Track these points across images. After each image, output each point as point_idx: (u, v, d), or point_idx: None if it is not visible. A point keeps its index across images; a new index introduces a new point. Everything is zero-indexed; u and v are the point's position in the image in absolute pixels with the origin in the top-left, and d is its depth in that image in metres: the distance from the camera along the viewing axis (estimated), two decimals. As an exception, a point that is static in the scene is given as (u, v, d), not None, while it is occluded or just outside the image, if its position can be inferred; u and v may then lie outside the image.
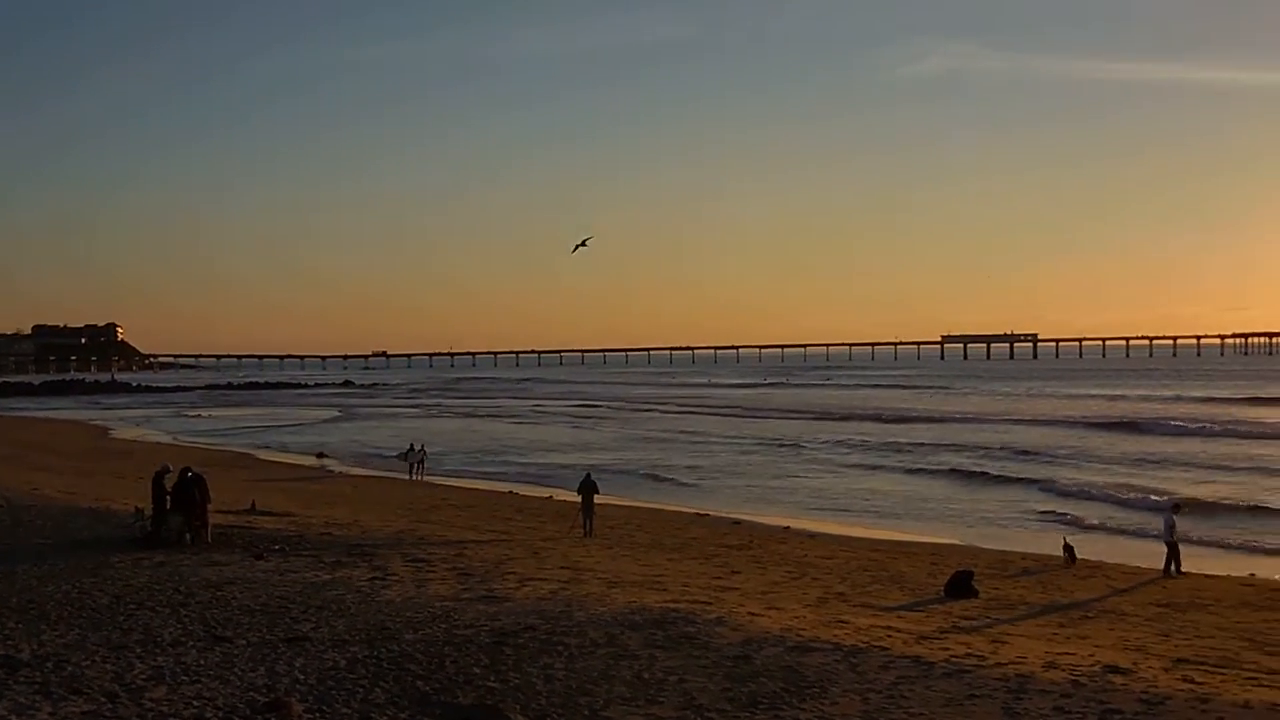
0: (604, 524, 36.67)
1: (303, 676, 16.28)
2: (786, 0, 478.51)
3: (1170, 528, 29.90)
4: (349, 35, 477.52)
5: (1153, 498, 44.08)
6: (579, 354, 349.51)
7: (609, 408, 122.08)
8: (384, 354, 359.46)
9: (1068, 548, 31.42)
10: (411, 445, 56.85)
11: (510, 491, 49.75)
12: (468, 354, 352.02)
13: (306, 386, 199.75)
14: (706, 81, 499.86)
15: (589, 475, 37.50)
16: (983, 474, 55.64)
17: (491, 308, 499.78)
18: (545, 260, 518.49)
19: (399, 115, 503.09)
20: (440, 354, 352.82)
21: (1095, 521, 41.18)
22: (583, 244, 67.68)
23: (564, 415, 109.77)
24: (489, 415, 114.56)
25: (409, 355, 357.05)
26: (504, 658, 17.33)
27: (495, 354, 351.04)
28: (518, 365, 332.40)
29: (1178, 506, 31.75)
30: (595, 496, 36.55)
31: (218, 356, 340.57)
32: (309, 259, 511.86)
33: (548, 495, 47.04)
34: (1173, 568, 29.59)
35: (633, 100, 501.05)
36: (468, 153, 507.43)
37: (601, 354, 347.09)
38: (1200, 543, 34.94)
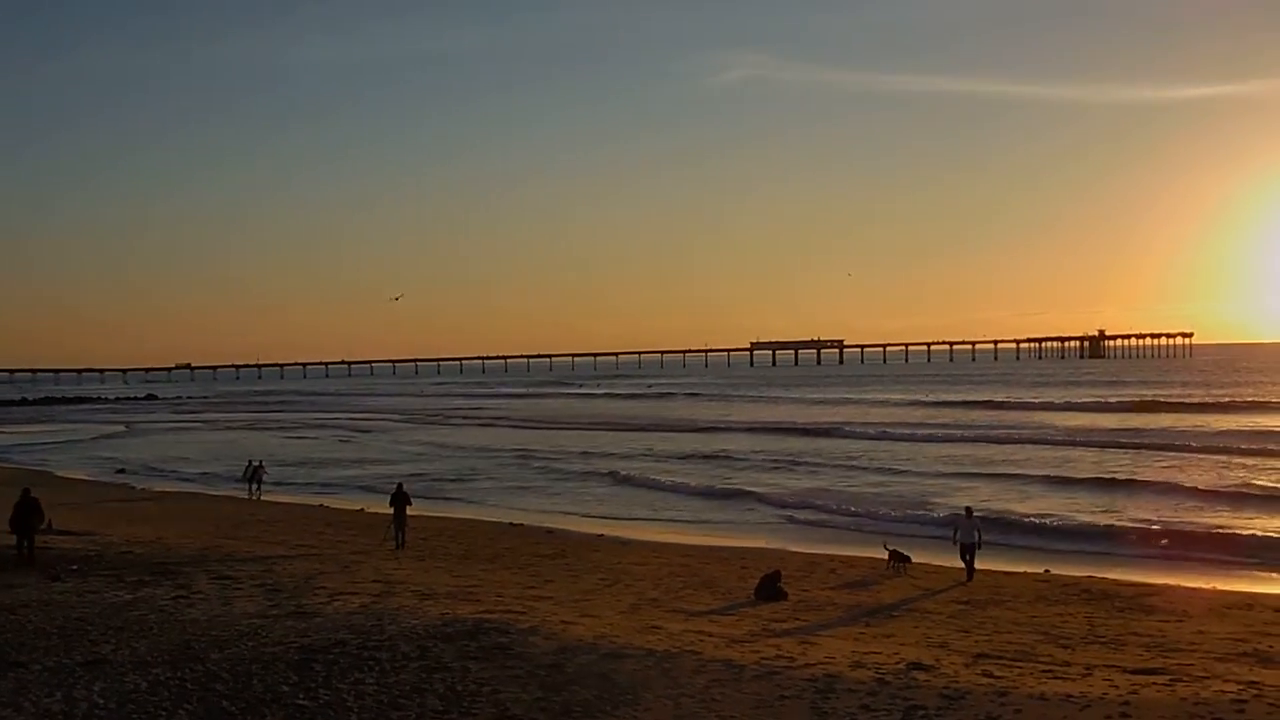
0: (416, 536, 36.32)
1: (102, 701, 15.81)
2: (586, 12, 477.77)
3: (974, 530, 30.47)
4: (133, 39, 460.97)
5: (882, 511, 44.56)
6: (390, 364, 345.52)
7: (391, 420, 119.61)
8: (188, 366, 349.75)
9: (896, 554, 31.39)
10: (250, 462, 54.97)
11: (320, 505, 48.91)
12: (275, 365, 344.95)
13: (105, 400, 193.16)
14: (509, 91, 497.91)
15: (401, 487, 37.09)
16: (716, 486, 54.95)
17: (301, 319, 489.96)
18: (355, 273, 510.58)
19: (192, 124, 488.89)
20: (247, 366, 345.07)
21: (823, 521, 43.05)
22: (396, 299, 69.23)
23: (341, 429, 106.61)
24: (272, 428, 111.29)
25: (214, 367, 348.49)
26: (313, 674, 17.08)
27: (304, 365, 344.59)
28: (327, 376, 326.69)
29: (970, 510, 32.27)
30: (408, 508, 36.20)
31: (11, 371, 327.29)
32: (114, 269, 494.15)
33: (359, 508, 46.37)
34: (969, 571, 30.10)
35: (432, 108, 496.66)
36: (268, 164, 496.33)
37: (413, 363, 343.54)
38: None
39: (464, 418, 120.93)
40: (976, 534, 30.40)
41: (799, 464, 62.91)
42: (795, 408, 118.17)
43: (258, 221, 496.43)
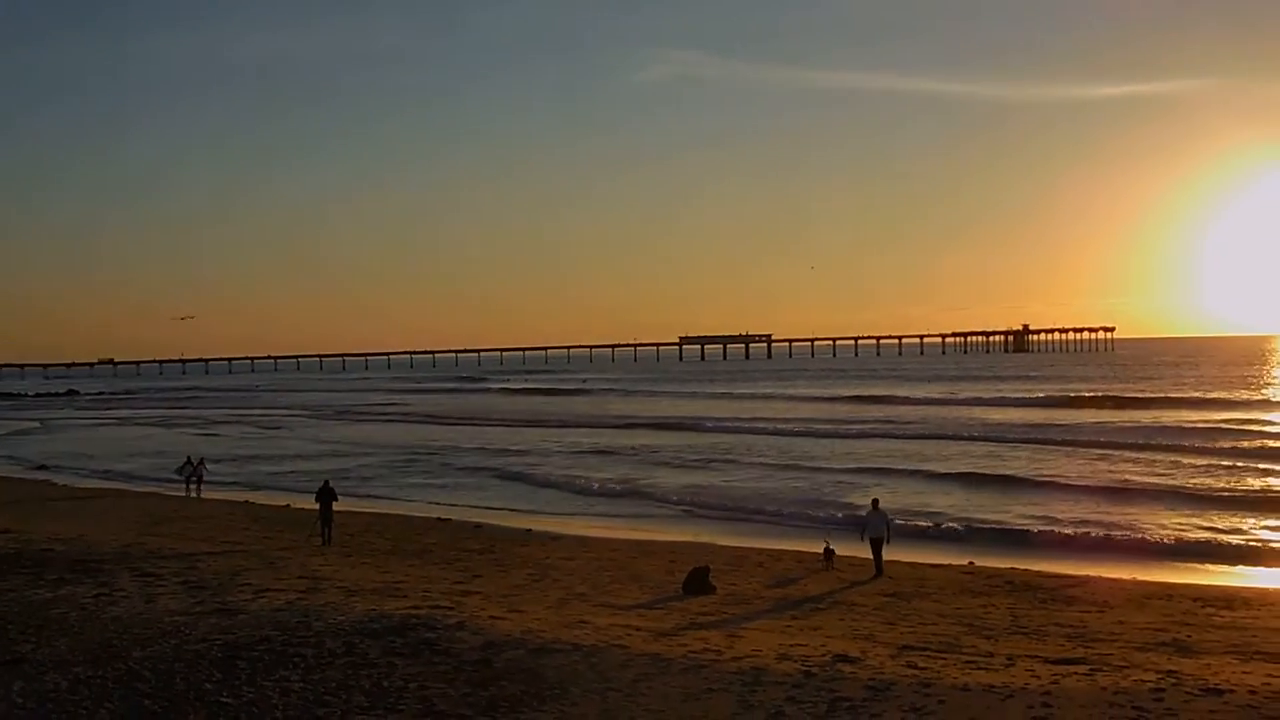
0: (343, 532, 36.04)
1: (21, 700, 15.60)
2: (513, 10, 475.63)
3: (882, 524, 30.13)
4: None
5: (784, 510, 44.36)
6: (317, 358, 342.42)
7: (301, 417, 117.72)
8: (111, 361, 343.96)
9: (829, 551, 31.26)
10: (188, 459, 53.77)
11: (245, 501, 48.42)
12: (200, 360, 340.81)
13: (23, 396, 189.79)
14: (438, 88, 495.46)
15: (327, 482, 36.80)
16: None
17: (228, 310, 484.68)
18: (290, 265, 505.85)
19: (124, 120, 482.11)
20: (171, 360, 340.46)
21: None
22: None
23: (249, 426, 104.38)
24: (183, 424, 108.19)
25: (138, 362, 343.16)
26: (238, 672, 16.94)
27: (230, 360, 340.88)
28: (253, 371, 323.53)
29: (877, 503, 31.48)
30: (334, 504, 35.93)
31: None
32: (37, 264, 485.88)
33: (285, 504, 45.97)
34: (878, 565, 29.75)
35: (363, 107, 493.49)
36: (194, 160, 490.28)
37: (340, 358, 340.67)
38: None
39: (375, 414, 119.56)
40: (885, 527, 30.22)
41: (701, 460, 62.75)
42: (713, 403, 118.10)
43: (185, 217, 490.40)
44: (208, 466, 53.38)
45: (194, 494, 50.53)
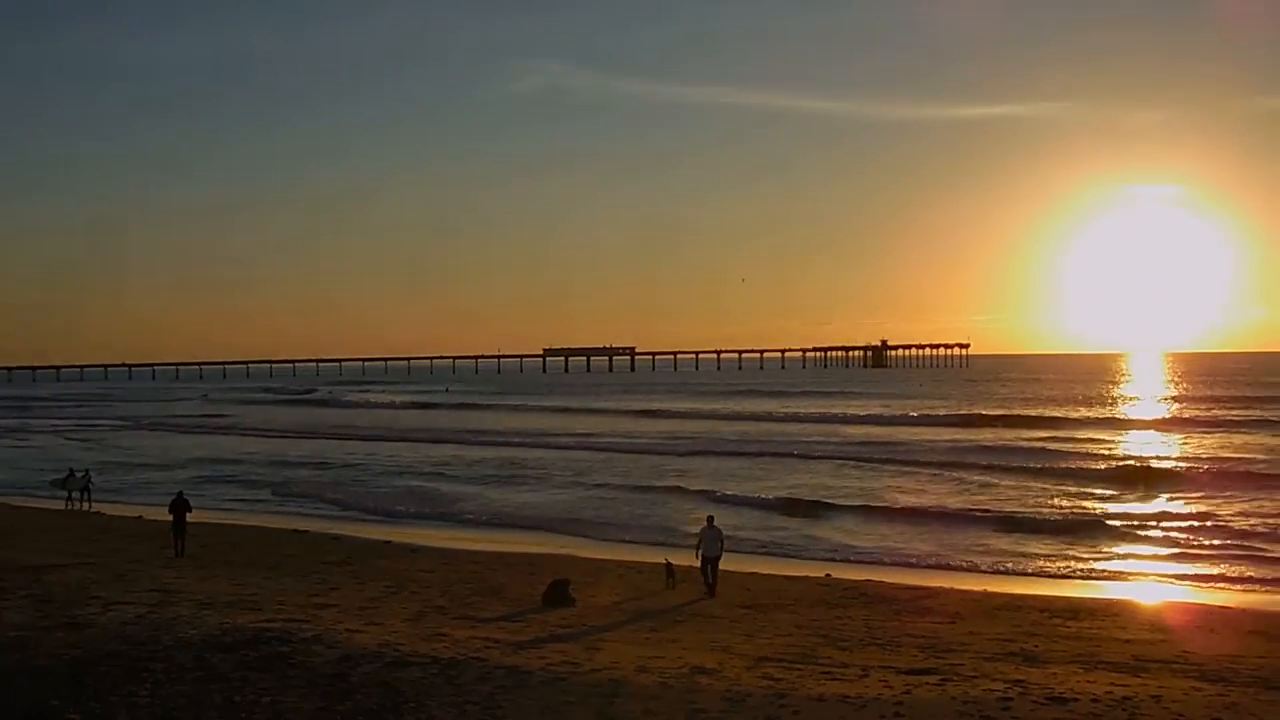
0: (197, 543, 35.34)
1: None
2: (378, 17, 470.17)
3: (717, 541, 29.15)
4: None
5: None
6: (173, 367, 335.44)
7: (110, 427, 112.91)
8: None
9: (670, 569, 30.55)
10: (71, 471, 51.78)
11: (97, 511, 47.26)
12: (51, 368, 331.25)
13: None
14: (296, 99, 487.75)
15: (181, 493, 36.09)
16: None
17: (85, 315, 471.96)
18: (157, 271, 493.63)
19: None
20: (19, 368, 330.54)
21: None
22: None
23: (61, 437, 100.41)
24: None
25: (9, 369, 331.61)
26: (84, 688, 16.56)
27: (82, 367, 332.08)
28: (106, 379, 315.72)
29: (712, 519, 30.30)
30: (188, 515, 35.25)
31: None
32: None
33: (137, 515, 44.97)
34: (711, 585, 29.01)
35: (227, 111, 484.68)
36: (91, 163, 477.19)
37: (198, 367, 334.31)
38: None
39: (203, 427, 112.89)
40: (719, 544, 29.29)
41: (539, 475, 61.96)
42: (569, 418, 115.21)
43: (67, 218, 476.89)
44: (93, 479, 51.68)
45: (80, 506, 48.89)
